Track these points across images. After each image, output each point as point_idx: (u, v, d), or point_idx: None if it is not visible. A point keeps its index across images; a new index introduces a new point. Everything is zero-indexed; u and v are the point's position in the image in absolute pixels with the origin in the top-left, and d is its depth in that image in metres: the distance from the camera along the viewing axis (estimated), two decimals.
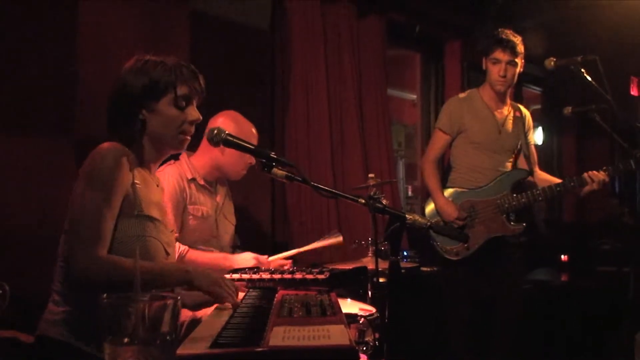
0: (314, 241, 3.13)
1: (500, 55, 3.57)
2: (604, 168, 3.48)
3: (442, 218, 3.61)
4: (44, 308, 1.93)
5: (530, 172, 3.71)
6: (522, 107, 3.86)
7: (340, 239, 3.10)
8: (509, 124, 3.70)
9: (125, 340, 0.96)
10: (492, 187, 3.62)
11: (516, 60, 3.58)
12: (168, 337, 0.98)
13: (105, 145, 1.87)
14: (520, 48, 3.59)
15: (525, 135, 3.76)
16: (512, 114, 3.74)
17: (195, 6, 3.62)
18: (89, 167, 1.84)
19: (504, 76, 3.58)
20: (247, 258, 2.91)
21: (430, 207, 3.72)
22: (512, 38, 3.56)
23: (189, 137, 2.04)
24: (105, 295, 0.98)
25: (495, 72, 3.60)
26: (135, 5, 3.32)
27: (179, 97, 1.97)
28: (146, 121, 1.95)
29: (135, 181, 1.90)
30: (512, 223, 3.60)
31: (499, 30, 3.62)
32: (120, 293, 1.02)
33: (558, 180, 3.69)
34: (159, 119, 1.96)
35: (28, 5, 2.93)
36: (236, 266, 2.86)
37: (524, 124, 3.76)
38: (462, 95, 3.83)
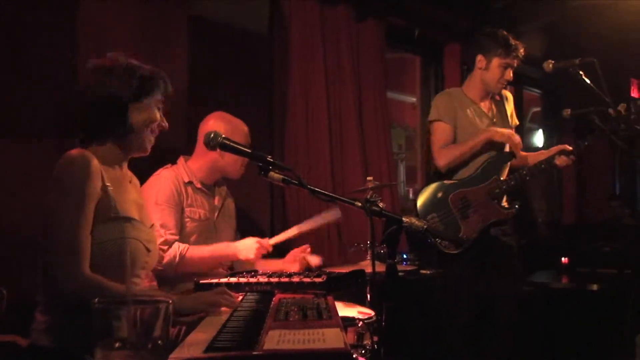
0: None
1: (512, 61, 3.62)
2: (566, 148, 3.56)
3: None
4: None
5: (514, 154, 3.72)
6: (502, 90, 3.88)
7: (338, 214, 3.04)
8: (498, 114, 3.76)
9: (117, 344, 0.96)
10: (480, 174, 3.62)
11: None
12: (160, 342, 0.98)
13: (72, 153, 1.87)
14: None
15: (510, 118, 3.81)
16: (494, 101, 3.79)
17: (194, 10, 3.62)
18: (58, 178, 1.85)
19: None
20: (249, 243, 2.91)
21: (421, 201, 3.70)
22: (522, 47, 3.63)
23: (153, 141, 2.10)
24: (96, 299, 0.98)
25: (502, 75, 3.64)
26: (134, 9, 3.33)
27: (159, 101, 2.06)
28: (130, 116, 1.98)
29: (107, 184, 1.91)
30: (504, 206, 3.60)
31: (507, 34, 3.64)
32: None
33: (536, 154, 3.77)
34: (141, 115, 2.00)
35: (26, 12, 2.93)
36: (239, 252, 2.87)
37: (505, 107, 3.80)
38: (446, 91, 3.87)
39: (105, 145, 1.99)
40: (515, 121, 3.90)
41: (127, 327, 0.96)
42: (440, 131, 3.70)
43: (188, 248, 2.81)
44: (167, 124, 2.09)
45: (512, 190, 3.61)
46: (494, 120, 3.70)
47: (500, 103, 3.79)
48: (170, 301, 1.01)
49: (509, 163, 3.70)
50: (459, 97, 3.75)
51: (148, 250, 2.02)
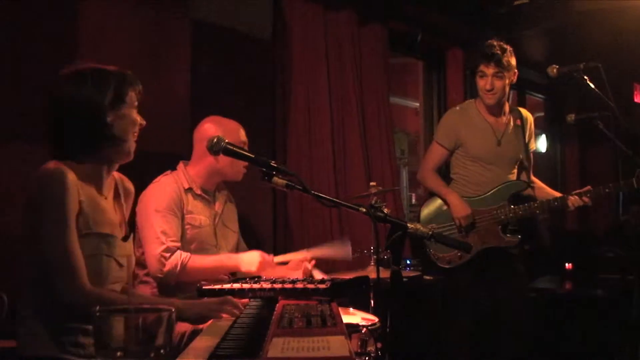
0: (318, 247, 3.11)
1: (484, 68, 3.53)
2: (587, 190, 3.48)
3: (453, 214, 3.56)
4: None
5: (529, 184, 3.67)
6: (523, 112, 3.80)
7: (349, 254, 3.00)
8: (509, 135, 3.66)
9: (118, 354, 0.94)
10: (490, 197, 3.59)
11: (503, 72, 3.51)
12: (162, 351, 0.96)
13: (49, 167, 1.83)
14: (508, 59, 3.50)
15: (527, 143, 3.72)
16: (511, 122, 3.69)
17: (196, 16, 3.60)
18: (37, 196, 1.82)
19: (490, 89, 3.53)
20: (253, 256, 2.90)
21: (426, 211, 3.69)
22: (496, 51, 3.48)
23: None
24: (98, 307, 0.96)
25: (481, 85, 3.57)
26: (135, 14, 3.31)
27: (135, 99, 2.00)
28: (113, 125, 1.93)
29: (80, 199, 1.87)
30: (507, 235, 3.56)
31: (486, 43, 3.56)
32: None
33: (552, 190, 3.69)
34: (124, 122, 1.95)
35: (26, 17, 2.91)
36: (242, 264, 2.86)
37: (524, 131, 3.71)
38: (458, 107, 3.80)
39: (83, 163, 1.94)
40: (533, 145, 3.84)
41: (128, 335, 0.94)
42: (435, 152, 3.74)
43: (190, 257, 2.79)
44: (144, 121, 2.04)
45: (519, 220, 3.57)
46: (501, 140, 3.63)
47: (519, 127, 3.69)
48: (173, 309, 0.99)
49: (521, 191, 3.66)
50: (469, 112, 3.70)
51: (120, 265, 1.99)
